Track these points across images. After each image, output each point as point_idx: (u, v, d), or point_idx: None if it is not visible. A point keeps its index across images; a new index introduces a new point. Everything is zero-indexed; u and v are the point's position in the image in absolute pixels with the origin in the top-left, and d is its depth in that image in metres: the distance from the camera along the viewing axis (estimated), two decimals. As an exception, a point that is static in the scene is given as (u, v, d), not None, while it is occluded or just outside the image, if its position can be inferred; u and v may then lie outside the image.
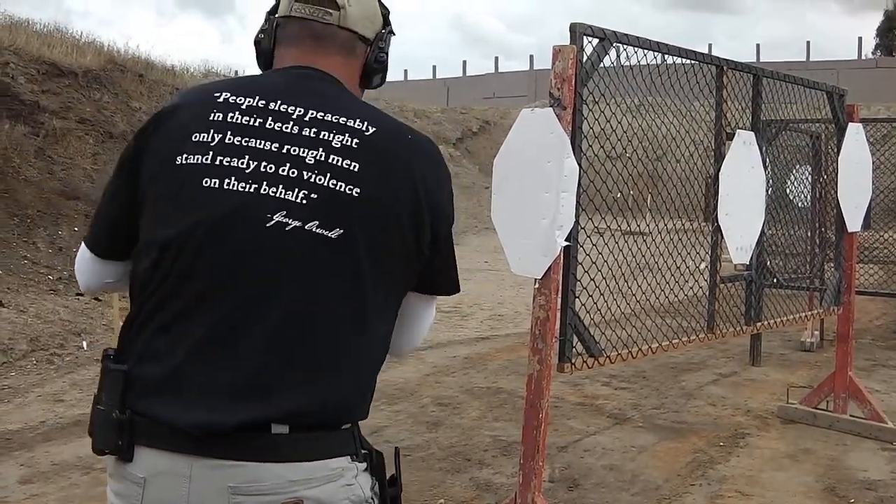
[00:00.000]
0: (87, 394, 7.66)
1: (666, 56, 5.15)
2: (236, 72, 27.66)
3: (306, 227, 1.78)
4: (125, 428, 1.80)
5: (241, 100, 1.87)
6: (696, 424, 7.11)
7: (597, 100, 4.57)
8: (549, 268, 4.21)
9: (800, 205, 8.31)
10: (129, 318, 1.87)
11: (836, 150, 7.08)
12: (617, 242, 4.98)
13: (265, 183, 1.79)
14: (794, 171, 8.22)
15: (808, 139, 8.89)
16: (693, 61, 5.45)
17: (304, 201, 1.78)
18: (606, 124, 4.97)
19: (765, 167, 6.04)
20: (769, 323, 6.26)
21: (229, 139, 1.83)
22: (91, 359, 8.86)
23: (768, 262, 7.18)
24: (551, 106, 4.28)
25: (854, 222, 6.99)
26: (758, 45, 47.54)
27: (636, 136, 5.64)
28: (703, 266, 5.42)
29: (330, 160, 1.81)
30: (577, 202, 4.27)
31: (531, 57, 55.05)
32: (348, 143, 1.83)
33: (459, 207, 26.65)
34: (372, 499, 1.90)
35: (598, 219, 5.06)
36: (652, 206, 6.05)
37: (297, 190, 1.78)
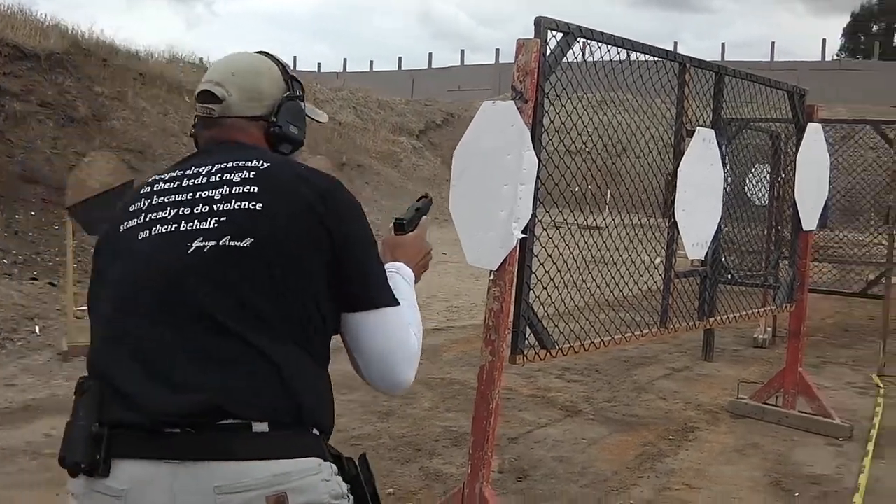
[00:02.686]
0: (38, 379, 7.62)
1: (631, 53, 5.18)
2: (201, 59, 27.43)
3: (220, 242, 2.05)
4: (100, 440, 1.92)
5: (165, 175, 2.24)
6: (646, 418, 7.18)
7: (558, 94, 4.59)
8: (505, 260, 4.23)
9: (757, 203, 8.38)
10: (95, 348, 2.09)
11: (795, 149, 7.14)
12: (574, 236, 5.03)
13: (183, 221, 2.10)
14: (753, 170, 8.29)
15: (769, 138, 8.96)
16: (656, 58, 5.49)
17: (216, 225, 2.07)
18: (567, 119, 4.99)
19: (724, 165, 6.10)
20: (722, 319, 6.33)
21: (155, 200, 2.17)
22: (43, 343, 8.79)
23: (724, 259, 7.24)
24: (513, 99, 4.29)
25: (809, 221, 7.07)
26: (723, 45, 48.08)
27: (596, 132, 5.67)
28: (657, 261, 5.46)
29: (233, 190, 2.11)
30: (536, 195, 4.29)
31: (497, 51, 55.15)
32: (246, 176, 2.13)
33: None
34: (348, 496, 2.04)
35: (556, 212, 5.10)
36: (610, 201, 6.09)
37: (209, 219, 2.08)
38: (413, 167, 29.30)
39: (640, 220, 5.63)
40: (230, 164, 2.17)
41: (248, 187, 2.11)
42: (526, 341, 4.51)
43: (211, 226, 2.07)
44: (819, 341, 10.82)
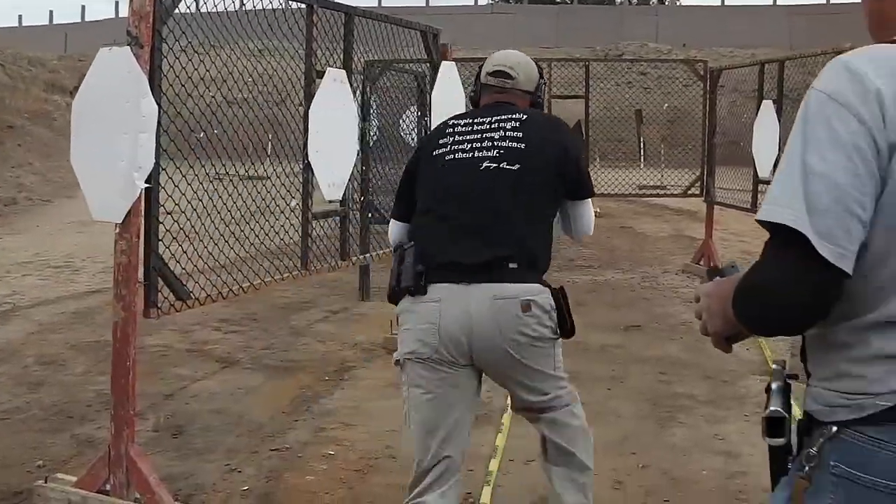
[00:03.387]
0: None
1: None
2: None
3: (500, 165, 3.49)
4: (422, 274, 3.44)
5: (459, 121, 3.73)
6: (303, 362, 7.23)
7: (213, 44, 4.52)
8: (130, 211, 4.12)
9: (411, 144, 8.60)
10: (416, 225, 3.62)
11: (430, 88, 7.36)
12: (236, 188, 5.08)
13: (476, 151, 3.54)
14: (407, 112, 8.47)
15: (414, 80, 9.16)
16: (297, 3, 5.47)
17: (497, 154, 3.51)
18: (223, 67, 4.91)
19: (363, 105, 6.17)
20: (366, 257, 6.44)
21: (457, 138, 3.62)
22: None
23: (376, 200, 7.41)
24: (129, 44, 4.18)
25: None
26: (381, -8, 48.32)
27: (252, 80, 5.62)
28: (293, 204, 5.47)
29: (506, 134, 3.54)
30: (158, 143, 4.20)
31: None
32: (514, 124, 3.57)
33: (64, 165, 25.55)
34: (553, 311, 3.46)
35: (220, 164, 5.06)
36: (272, 150, 6.08)
37: (492, 151, 3.52)
38: (67, 125, 27.74)
39: (301, 167, 5.61)
40: (503, 116, 3.60)
41: (516, 132, 3.53)
42: (159, 294, 4.41)
43: (494, 155, 3.50)
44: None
